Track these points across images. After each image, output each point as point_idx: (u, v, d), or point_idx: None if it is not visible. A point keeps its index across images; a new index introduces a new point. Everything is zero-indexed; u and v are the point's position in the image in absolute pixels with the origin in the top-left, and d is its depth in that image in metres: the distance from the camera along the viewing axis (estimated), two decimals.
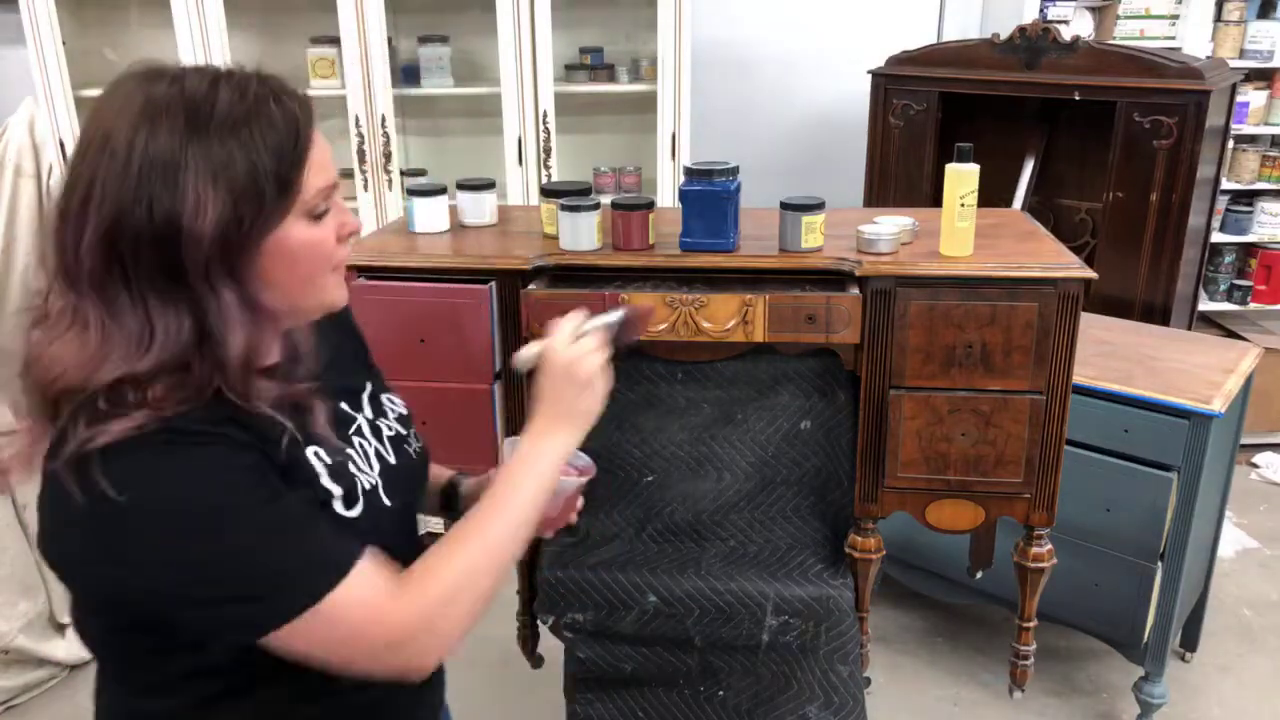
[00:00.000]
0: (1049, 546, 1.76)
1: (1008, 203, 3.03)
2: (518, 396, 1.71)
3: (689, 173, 1.64)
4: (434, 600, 0.96)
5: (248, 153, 0.90)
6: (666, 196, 2.96)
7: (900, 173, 3.14)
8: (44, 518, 0.92)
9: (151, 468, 0.87)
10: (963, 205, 1.60)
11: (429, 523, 1.65)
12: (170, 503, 0.87)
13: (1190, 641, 2.70)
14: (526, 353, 1.15)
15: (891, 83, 3.10)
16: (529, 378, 1.16)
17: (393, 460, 1.11)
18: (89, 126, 0.92)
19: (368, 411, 1.14)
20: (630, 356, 1.74)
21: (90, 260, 0.89)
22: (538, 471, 1.09)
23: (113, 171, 0.88)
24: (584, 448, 1.16)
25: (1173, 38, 3.51)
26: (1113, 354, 2.41)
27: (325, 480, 0.99)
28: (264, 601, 0.90)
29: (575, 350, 1.13)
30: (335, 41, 2.81)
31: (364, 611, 0.93)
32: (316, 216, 0.96)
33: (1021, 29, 2.90)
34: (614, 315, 1.18)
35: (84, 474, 0.86)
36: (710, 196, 1.62)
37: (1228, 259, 3.86)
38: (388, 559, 0.97)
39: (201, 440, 0.88)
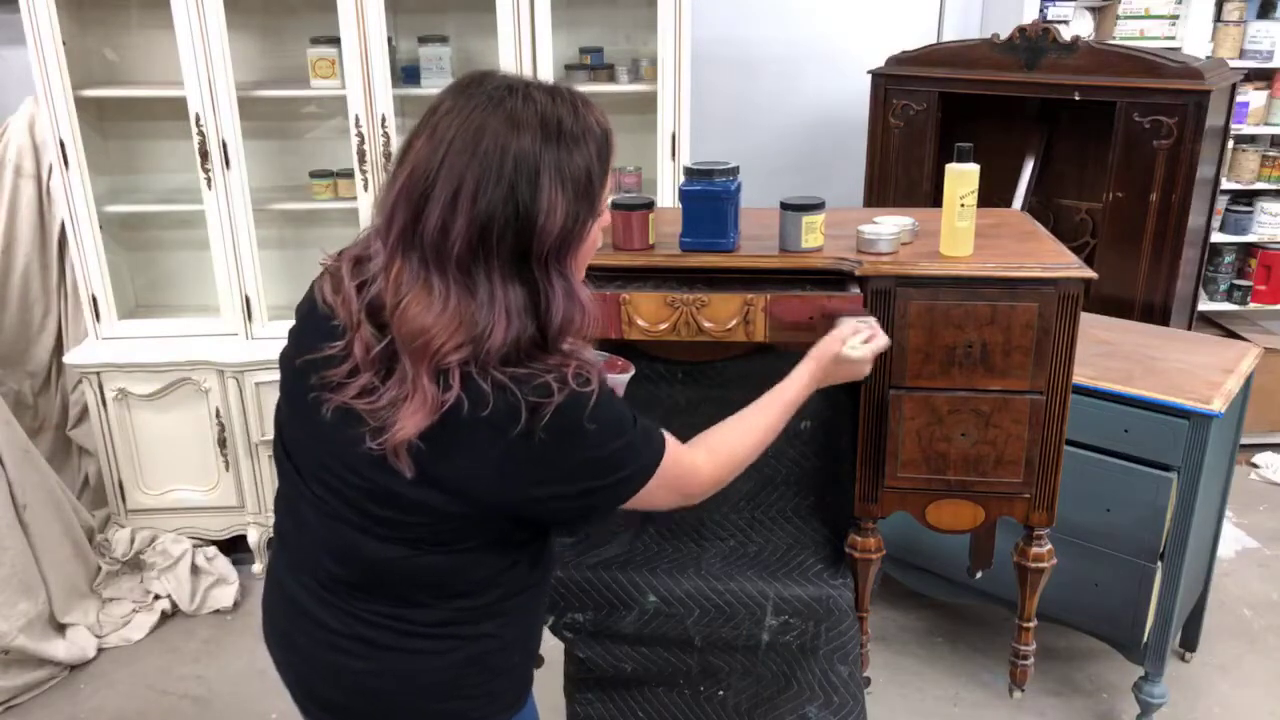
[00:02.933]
0: (1049, 546, 1.76)
1: (1008, 203, 3.03)
2: None
3: (689, 173, 1.64)
4: (724, 467, 1.35)
5: (585, 160, 1.11)
6: (666, 196, 2.96)
7: (900, 173, 3.14)
8: (478, 461, 1.11)
9: (594, 403, 1.13)
10: (963, 205, 1.60)
11: None
12: (609, 420, 1.16)
13: (1190, 641, 2.70)
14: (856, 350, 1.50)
15: (891, 83, 3.10)
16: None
17: None
18: (440, 129, 1.08)
19: None
20: (631, 357, 1.74)
21: (460, 244, 1.07)
22: (797, 400, 1.46)
23: (487, 172, 1.06)
24: None
25: (1173, 38, 3.50)
26: (1113, 354, 2.41)
27: None
28: (646, 464, 1.21)
29: (863, 352, 1.49)
30: (335, 41, 2.81)
31: (684, 469, 1.28)
32: (599, 214, 1.17)
33: (1021, 29, 2.90)
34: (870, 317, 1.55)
35: (557, 417, 1.09)
36: (710, 196, 1.62)
37: (1228, 259, 3.86)
38: None
39: (595, 379, 1.14)
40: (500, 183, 1.06)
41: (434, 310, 1.07)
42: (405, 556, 1.18)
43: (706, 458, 1.32)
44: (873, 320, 1.53)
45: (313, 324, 1.21)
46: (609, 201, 1.23)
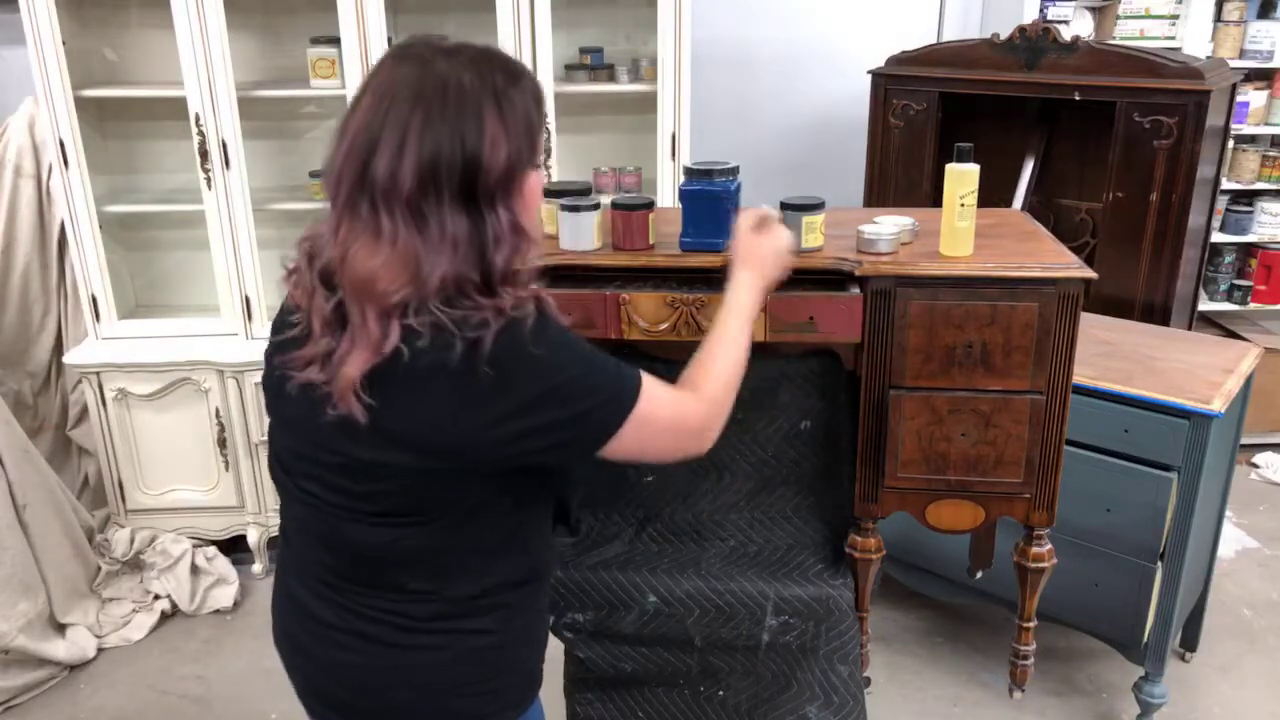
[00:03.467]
0: (1049, 546, 1.76)
1: (1008, 203, 3.03)
2: None
3: (689, 173, 1.64)
4: (716, 395, 1.31)
5: (524, 103, 1.16)
6: (666, 196, 2.96)
7: (900, 173, 3.14)
8: (428, 406, 1.12)
9: (534, 328, 1.13)
10: (963, 205, 1.60)
11: None
12: (558, 345, 1.16)
13: (1190, 641, 2.70)
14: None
15: (891, 83, 3.10)
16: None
17: None
18: (380, 90, 1.15)
19: None
20: (630, 357, 1.74)
21: (411, 182, 1.10)
22: (753, 306, 1.44)
23: (431, 116, 1.10)
24: None
25: (1173, 38, 3.50)
26: (1113, 354, 2.41)
27: None
28: (617, 397, 1.19)
29: (781, 236, 1.50)
30: (335, 41, 2.81)
31: (673, 407, 1.25)
32: (537, 166, 1.21)
33: (1021, 29, 2.90)
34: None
35: (497, 348, 1.10)
36: (710, 196, 1.62)
37: (1228, 259, 3.86)
38: None
39: (533, 308, 1.14)
40: (445, 123, 1.10)
41: (382, 253, 1.10)
42: (388, 540, 1.19)
43: (692, 393, 1.29)
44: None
45: (283, 328, 1.24)
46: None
